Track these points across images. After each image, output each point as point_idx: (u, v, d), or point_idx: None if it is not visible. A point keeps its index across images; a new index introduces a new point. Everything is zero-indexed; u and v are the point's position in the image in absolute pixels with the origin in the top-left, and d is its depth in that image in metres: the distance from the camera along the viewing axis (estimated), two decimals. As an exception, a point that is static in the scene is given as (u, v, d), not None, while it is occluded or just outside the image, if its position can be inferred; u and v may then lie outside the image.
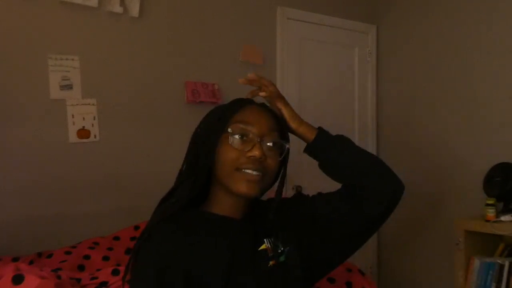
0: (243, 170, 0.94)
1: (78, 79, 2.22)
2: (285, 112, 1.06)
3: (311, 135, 1.05)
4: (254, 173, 0.94)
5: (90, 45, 2.27)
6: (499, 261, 2.21)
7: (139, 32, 2.40)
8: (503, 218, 2.19)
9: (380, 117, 3.30)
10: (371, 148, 3.26)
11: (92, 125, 2.25)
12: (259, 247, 0.98)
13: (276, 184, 1.04)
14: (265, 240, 0.99)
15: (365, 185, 1.01)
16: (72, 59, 2.22)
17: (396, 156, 3.15)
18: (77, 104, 2.22)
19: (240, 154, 0.94)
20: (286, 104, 1.07)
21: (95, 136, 2.26)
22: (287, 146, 1.00)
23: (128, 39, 2.38)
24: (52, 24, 2.19)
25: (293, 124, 1.05)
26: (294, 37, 2.94)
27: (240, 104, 1.01)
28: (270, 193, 1.06)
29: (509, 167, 2.37)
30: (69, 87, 2.21)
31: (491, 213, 2.24)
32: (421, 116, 3.00)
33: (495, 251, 2.33)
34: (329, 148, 1.04)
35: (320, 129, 1.07)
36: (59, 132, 2.18)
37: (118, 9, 2.31)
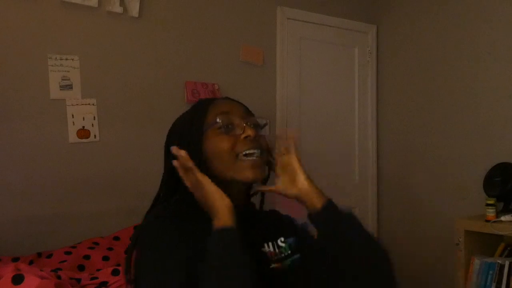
0: (244, 154, 0.94)
1: (78, 79, 2.22)
2: (302, 166, 0.98)
3: (317, 201, 0.95)
4: (255, 152, 0.94)
5: (90, 45, 2.27)
6: (499, 261, 2.21)
7: (139, 32, 2.40)
8: (503, 218, 2.19)
9: (380, 117, 3.30)
10: (371, 147, 3.27)
11: (92, 125, 2.25)
12: (259, 248, 0.98)
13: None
14: (265, 244, 0.98)
15: (360, 275, 0.93)
16: (72, 59, 2.22)
17: (396, 156, 3.16)
18: (77, 104, 2.22)
19: (235, 140, 0.95)
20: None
21: (95, 136, 2.26)
22: (265, 121, 1.03)
23: (128, 39, 2.38)
24: (52, 24, 2.19)
25: (305, 179, 0.97)
26: (294, 37, 2.94)
27: (207, 101, 1.03)
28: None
29: (509, 167, 2.37)
30: (69, 87, 2.21)
31: (491, 213, 2.24)
32: (421, 116, 3.00)
33: (495, 251, 2.33)
34: (335, 225, 0.94)
35: (330, 200, 0.97)
36: (59, 132, 2.18)
37: (118, 9, 2.31)
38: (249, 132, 0.94)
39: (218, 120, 0.95)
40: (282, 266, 0.97)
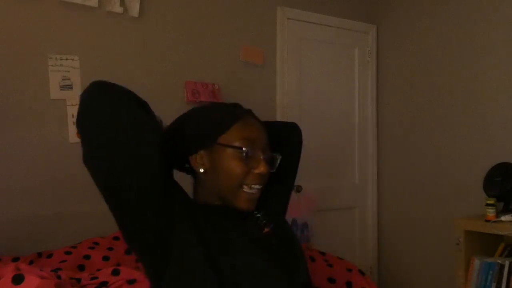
0: (250, 186, 0.98)
1: (78, 79, 2.22)
2: None
3: None
4: (259, 187, 1.00)
5: (90, 45, 2.27)
6: (499, 261, 2.21)
7: (139, 32, 2.40)
8: (503, 218, 2.19)
9: (380, 117, 3.30)
10: (371, 147, 3.27)
11: (92, 125, 2.25)
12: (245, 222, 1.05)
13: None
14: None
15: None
16: (72, 59, 2.22)
17: (396, 155, 3.16)
18: (77, 104, 2.21)
19: (248, 170, 0.98)
20: None
21: (95, 136, 2.26)
22: (279, 158, 1.06)
23: (128, 39, 2.38)
24: (52, 24, 2.19)
25: None
26: (294, 37, 2.94)
27: (237, 113, 1.02)
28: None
29: (509, 167, 2.37)
30: (69, 87, 2.21)
31: (491, 213, 2.24)
32: (421, 115, 3.00)
33: (495, 251, 2.33)
34: None
35: None
36: (59, 132, 2.18)
37: (118, 9, 2.31)
38: (263, 169, 0.98)
39: (244, 148, 0.97)
40: (271, 229, 1.05)
